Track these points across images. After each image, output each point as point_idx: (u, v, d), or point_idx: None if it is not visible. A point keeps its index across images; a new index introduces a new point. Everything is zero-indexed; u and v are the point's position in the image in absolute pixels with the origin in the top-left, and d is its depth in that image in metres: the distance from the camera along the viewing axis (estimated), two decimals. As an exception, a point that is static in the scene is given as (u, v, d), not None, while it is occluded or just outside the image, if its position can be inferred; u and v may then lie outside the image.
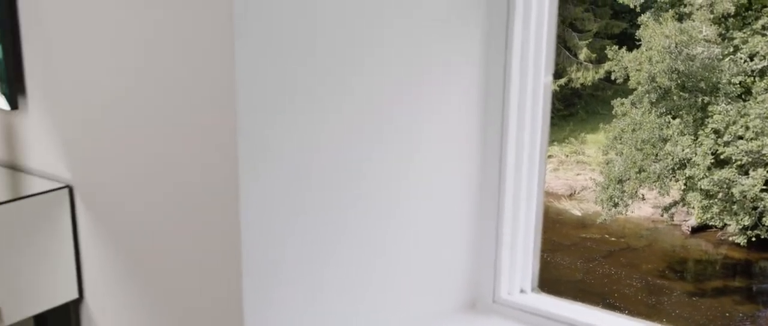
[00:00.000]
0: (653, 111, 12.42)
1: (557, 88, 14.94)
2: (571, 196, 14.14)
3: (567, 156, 15.13)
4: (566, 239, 12.45)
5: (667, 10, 12.85)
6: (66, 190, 1.30)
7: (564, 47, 15.53)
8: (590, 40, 15.77)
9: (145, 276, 1.24)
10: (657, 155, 12.19)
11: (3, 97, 1.32)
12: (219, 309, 1.14)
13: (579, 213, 13.52)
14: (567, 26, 15.65)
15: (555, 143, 14.92)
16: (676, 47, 12.08)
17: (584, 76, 15.62)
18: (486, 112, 1.42)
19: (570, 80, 15.58)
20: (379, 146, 1.29)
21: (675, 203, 12.44)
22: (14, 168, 1.39)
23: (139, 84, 1.15)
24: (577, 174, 14.59)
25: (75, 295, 1.35)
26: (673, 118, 12.33)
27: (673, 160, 11.97)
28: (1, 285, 1.48)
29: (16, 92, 1.32)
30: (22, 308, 1.36)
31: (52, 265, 1.35)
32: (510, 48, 1.37)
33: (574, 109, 16.26)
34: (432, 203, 1.42)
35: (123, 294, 1.28)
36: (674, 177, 12.16)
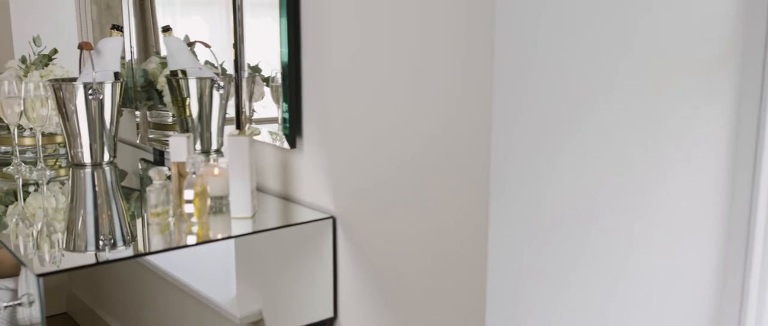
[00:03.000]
0: None
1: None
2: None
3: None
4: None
5: None
6: (330, 220, 1.48)
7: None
8: None
9: (394, 302, 1.36)
10: None
11: (285, 137, 1.54)
12: (463, 338, 1.22)
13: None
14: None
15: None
16: None
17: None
18: (736, 164, 1.37)
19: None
20: (618, 190, 1.30)
21: None
22: (288, 199, 1.61)
23: (399, 130, 1.29)
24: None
25: (330, 314, 1.52)
26: None
27: None
28: (267, 299, 1.69)
29: (294, 134, 1.54)
30: (283, 321, 1.56)
31: (312, 285, 1.53)
32: (766, 94, 1.32)
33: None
34: (669, 261, 1.39)
35: (372, 317, 1.42)
36: None
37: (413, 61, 1.23)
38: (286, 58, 1.49)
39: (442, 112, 1.19)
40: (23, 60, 2.03)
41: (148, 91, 2.08)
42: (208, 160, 1.71)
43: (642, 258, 1.37)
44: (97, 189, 1.79)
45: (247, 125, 1.69)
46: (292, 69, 1.50)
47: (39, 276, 1.17)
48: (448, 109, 1.18)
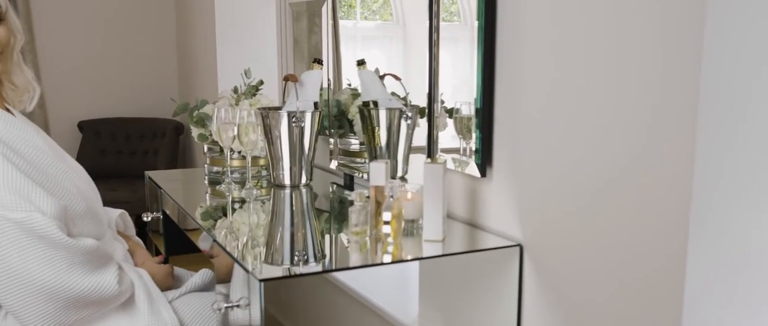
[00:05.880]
0: None
1: None
2: None
3: None
4: None
5: None
6: (517, 248, 1.52)
7: None
8: None
9: (582, 333, 1.38)
10: None
11: (476, 166, 1.62)
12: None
13: None
14: None
15: None
16: None
17: None
18: None
19: None
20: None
21: None
22: (475, 225, 1.67)
23: (593, 160, 1.31)
24: None
25: (514, 341, 1.56)
26: None
27: None
28: (449, 322, 1.76)
29: (485, 164, 1.61)
30: (465, 344, 1.61)
31: (496, 312, 1.57)
32: None
33: None
34: None
35: (559, 346, 1.44)
36: None
37: (609, 89, 1.26)
38: (480, 90, 1.57)
39: (639, 141, 1.20)
40: (235, 90, 2.27)
41: (340, 119, 2.24)
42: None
43: None
44: (294, 208, 1.95)
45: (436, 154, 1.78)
46: (486, 100, 1.57)
47: (261, 281, 1.32)
48: (646, 137, 1.19)
